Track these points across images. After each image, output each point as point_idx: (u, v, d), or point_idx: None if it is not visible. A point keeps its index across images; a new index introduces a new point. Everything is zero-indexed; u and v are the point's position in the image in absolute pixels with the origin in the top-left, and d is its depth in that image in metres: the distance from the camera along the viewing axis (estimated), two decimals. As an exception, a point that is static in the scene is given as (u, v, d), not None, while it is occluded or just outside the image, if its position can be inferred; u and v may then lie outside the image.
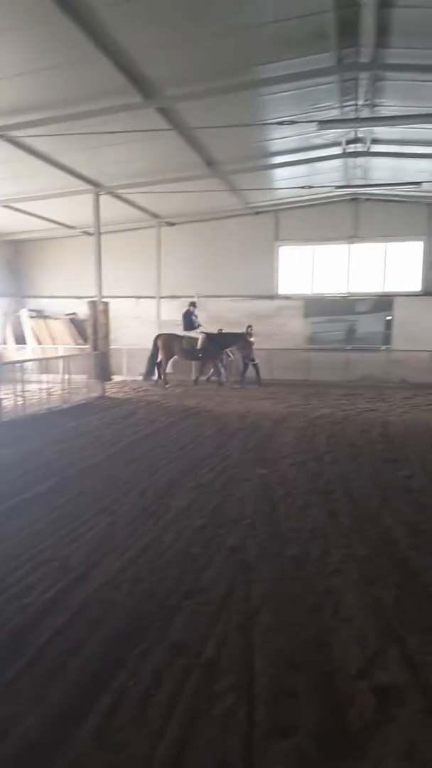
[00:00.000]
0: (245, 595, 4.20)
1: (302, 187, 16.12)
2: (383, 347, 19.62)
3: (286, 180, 16.84)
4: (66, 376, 14.51)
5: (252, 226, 20.30)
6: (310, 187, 16.09)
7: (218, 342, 17.44)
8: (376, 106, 11.34)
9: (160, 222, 19.65)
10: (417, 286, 19.74)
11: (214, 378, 18.31)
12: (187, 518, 5.88)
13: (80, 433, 10.30)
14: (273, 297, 20.62)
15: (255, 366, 17.87)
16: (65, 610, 4.01)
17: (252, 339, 17.51)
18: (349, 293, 20.20)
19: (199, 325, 17.53)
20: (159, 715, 2.97)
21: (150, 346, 19.20)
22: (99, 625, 3.80)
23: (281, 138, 13.12)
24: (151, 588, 4.34)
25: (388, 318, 20.05)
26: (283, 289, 20.63)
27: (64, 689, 3.17)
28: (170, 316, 20.58)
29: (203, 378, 18.39)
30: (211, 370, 18.52)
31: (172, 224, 20.37)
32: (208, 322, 20.44)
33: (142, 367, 20.59)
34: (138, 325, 20.69)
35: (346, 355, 19.71)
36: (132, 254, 20.68)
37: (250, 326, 17.56)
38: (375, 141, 13.95)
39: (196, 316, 17.48)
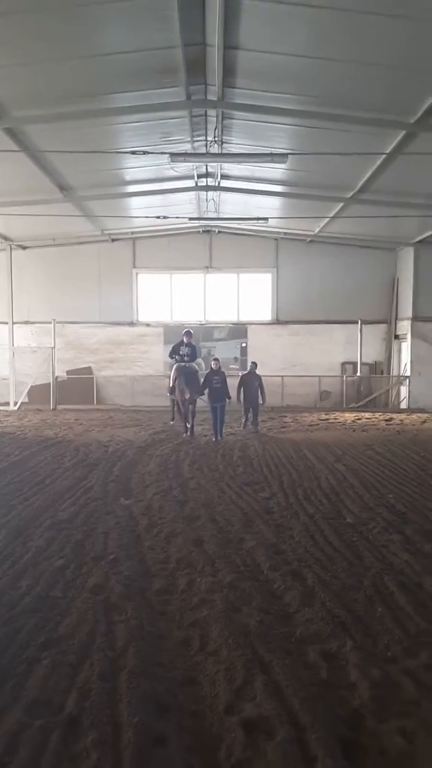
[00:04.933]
0: (108, 639, 3.99)
1: (157, 217, 16.34)
2: (240, 373, 20.22)
3: (142, 209, 17.00)
4: None
5: (109, 252, 20.18)
6: (165, 217, 16.36)
7: (189, 378, 13.07)
8: (224, 142, 11.87)
9: (12, 245, 18.83)
10: (267, 315, 20.81)
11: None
12: (47, 559, 5.52)
13: None
14: (133, 324, 20.57)
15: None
16: None
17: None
18: (206, 321, 20.72)
19: (183, 359, 13.19)
20: (14, 787, 2.68)
21: (2, 372, 18.32)
22: None
23: (135, 167, 13.25)
24: (4, 641, 3.97)
25: (243, 345, 20.86)
26: (143, 316, 20.67)
27: None
28: (25, 342, 19.76)
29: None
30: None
31: (24, 247, 19.62)
32: (63, 349, 19.89)
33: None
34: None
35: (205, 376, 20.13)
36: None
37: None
38: (224, 176, 14.57)
39: (186, 346, 13.24)
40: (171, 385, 13.45)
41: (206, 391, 12.87)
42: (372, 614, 4.40)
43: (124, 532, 6.39)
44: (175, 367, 13.36)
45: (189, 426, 13.12)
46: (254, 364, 14.12)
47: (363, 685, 3.41)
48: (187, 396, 12.79)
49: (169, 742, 2.93)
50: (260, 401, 13.95)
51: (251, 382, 13.68)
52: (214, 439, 12.59)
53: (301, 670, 3.62)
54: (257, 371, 13.96)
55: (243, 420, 14.17)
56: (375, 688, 3.38)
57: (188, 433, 13.05)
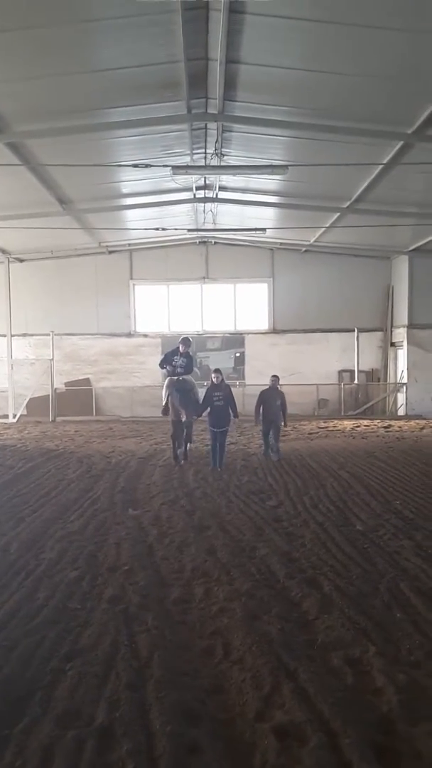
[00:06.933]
0: (131, 649, 3.99)
1: (156, 229, 16.45)
2: (237, 383, 20.25)
3: (139, 221, 17.10)
4: None
5: (106, 264, 20.26)
6: (164, 229, 16.47)
7: (185, 396, 10.77)
8: (224, 155, 11.98)
9: (9, 258, 18.87)
10: (264, 324, 20.93)
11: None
12: (61, 571, 5.52)
13: None
14: (130, 335, 20.62)
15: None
16: None
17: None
18: (203, 331, 20.80)
19: (175, 370, 10.95)
20: (52, 798, 2.69)
21: (1, 385, 18.14)
22: (-28, 705, 3.37)
23: (134, 180, 13.34)
24: (27, 653, 3.96)
25: (237, 354, 20.96)
26: (140, 327, 20.74)
27: None
28: (23, 354, 19.75)
29: (180, 450, 11.20)
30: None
31: (22, 260, 19.67)
32: (61, 360, 19.88)
33: (-6, 411, 19.38)
34: (-14, 365, 19.51)
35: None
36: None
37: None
38: (222, 188, 14.70)
39: (182, 356, 11.07)
40: (164, 403, 11.15)
41: (207, 411, 10.75)
42: (391, 620, 4.43)
43: (135, 543, 6.39)
44: (167, 382, 11.12)
45: (181, 451, 11.09)
46: (276, 378, 11.80)
47: (390, 690, 3.43)
48: (184, 417, 10.59)
49: (203, 750, 2.95)
50: (281, 423, 11.73)
51: (272, 400, 11.50)
52: (210, 468, 10.49)
53: (327, 677, 3.64)
54: (279, 386, 11.85)
55: (264, 448, 11.83)
56: (402, 692, 3.41)
57: (179, 460, 11.00)
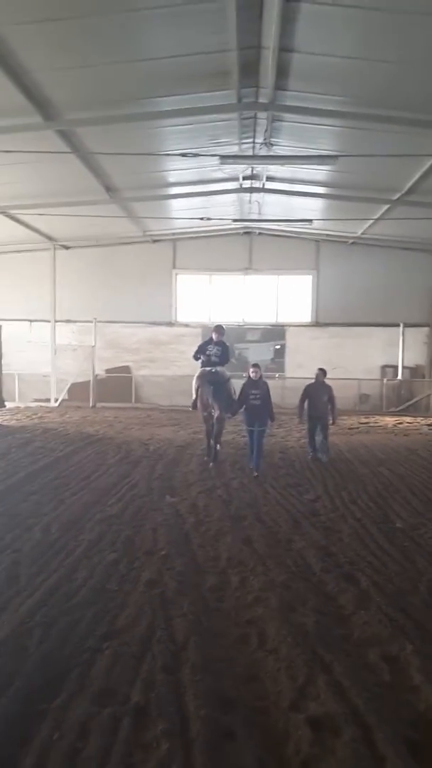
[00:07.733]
0: (168, 633, 4.04)
1: (200, 219, 16.45)
2: (277, 375, 20.14)
3: (184, 210, 17.13)
4: None
5: (150, 253, 20.39)
6: (209, 218, 16.45)
7: (217, 390, 9.80)
8: (272, 144, 11.86)
9: (56, 245, 19.20)
10: (307, 317, 20.74)
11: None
12: (99, 552, 5.62)
13: (-28, 466, 9.61)
14: (172, 324, 20.74)
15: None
16: (-28, 663, 3.64)
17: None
18: (245, 322, 20.75)
19: (210, 360, 10.17)
20: (89, 771, 2.75)
21: (44, 370, 18.44)
22: (13, 677, 3.47)
23: (180, 169, 13.35)
24: (65, 631, 4.05)
25: (277, 347, 20.82)
26: (182, 317, 20.82)
27: (-22, 754, 2.85)
28: (66, 340, 20.10)
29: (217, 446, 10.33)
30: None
31: (67, 248, 19.98)
32: (103, 347, 20.11)
33: (36, 393, 19.80)
34: (32, 349, 19.90)
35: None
36: (25, 276, 20.01)
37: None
38: (269, 178, 14.57)
39: (215, 344, 10.27)
40: (194, 397, 10.38)
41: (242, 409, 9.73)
42: (430, 618, 4.36)
43: (172, 529, 6.45)
44: (198, 373, 10.31)
45: (213, 448, 10.18)
46: (322, 372, 10.82)
47: (427, 689, 3.38)
48: (216, 414, 9.74)
49: (237, 736, 2.96)
50: (328, 420, 10.79)
51: (318, 395, 10.63)
52: (252, 468, 9.47)
53: (363, 672, 3.61)
54: (326, 380, 10.86)
55: (311, 451, 10.92)
56: (440, 692, 3.35)
57: (211, 457, 10.11)
